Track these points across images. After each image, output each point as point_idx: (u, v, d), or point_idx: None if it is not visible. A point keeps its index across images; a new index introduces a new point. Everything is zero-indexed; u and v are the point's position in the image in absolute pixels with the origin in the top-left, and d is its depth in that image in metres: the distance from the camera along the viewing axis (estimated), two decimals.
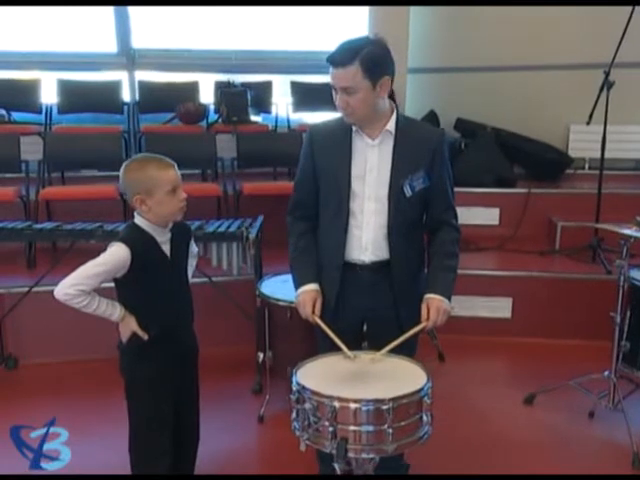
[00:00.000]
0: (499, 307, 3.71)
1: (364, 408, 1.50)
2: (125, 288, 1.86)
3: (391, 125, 1.87)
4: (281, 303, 2.68)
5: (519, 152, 4.87)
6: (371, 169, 1.87)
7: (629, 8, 3.66)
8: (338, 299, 1.92)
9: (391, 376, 1.66)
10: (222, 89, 4.79)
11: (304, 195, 1.99)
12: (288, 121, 5.13)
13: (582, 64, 4.72)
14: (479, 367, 3.40)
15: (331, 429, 1.49)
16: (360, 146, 1.88)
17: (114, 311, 1.83)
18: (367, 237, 1.89)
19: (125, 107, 4.96)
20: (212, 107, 4.93)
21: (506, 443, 2.61)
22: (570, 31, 4.84)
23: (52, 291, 1.79)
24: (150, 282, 1.85)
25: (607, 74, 3.64)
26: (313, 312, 1.89)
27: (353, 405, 1.49)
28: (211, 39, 5.19)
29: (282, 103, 5.18)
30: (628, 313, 2.67)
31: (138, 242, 1.82)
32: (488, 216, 4.44)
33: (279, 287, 2.84)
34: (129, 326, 1.84)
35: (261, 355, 2.81)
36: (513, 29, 4.89)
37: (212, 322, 2.95)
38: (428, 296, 1.85)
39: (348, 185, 1.86)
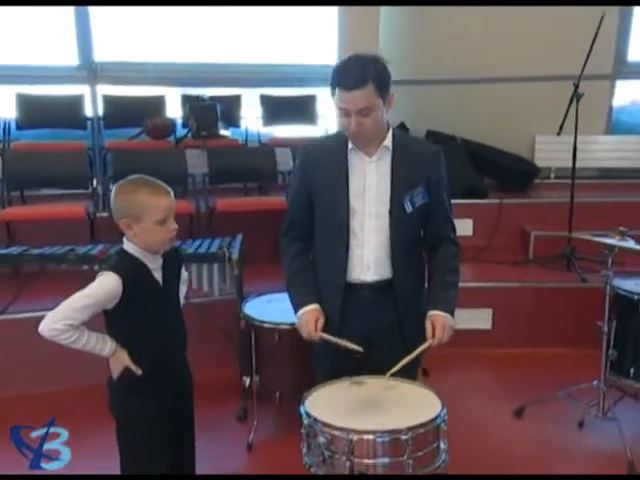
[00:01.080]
0: (479, 319, 3.71)
1: (381, 440, 1.44)
2: (115, 318, 1.73)
3: (388, 141, 1.85)
4: (267, 325, 2.60)
5: (489, 163, 4.92)
6: (370, 186, 1.84)
7: (597, 21, 3.74)
8: (341, 320, 1.87)
9: (404, 403, 1.61)
10: (191, 103, 4.66)
11: (298, 215, 1.95)
12: (259, 135, 5.05)
13: (548, 76, 4.82)
14: (464, 380, 3.37)
15: (348, 464, 1.42)
16: (357, 163, 1.85)
17: (104, 346, 1.69)
18: (369, 256, 1.85)
19: (88, 122, 4.78)
20: (180, 121, 4.80)
21: (497, 457, 2.58)
22: (538, 44, 4.91)
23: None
24: (142, 311, 1.72)
25: (576, 86, 3.72)
26: (316, 330, 1.82)
27: (370, 437, 1.43)
28: (176, 52, 5.06)
29: (251, 117, 5.10)
30: (613, 322, 2.70)
31: (129, 270, 1.69)
32: (462, 227, 4.36)
33: (264, 308, 2.76)
34: (121, 360, 1.71)
35: (247, 380, 2.71)
36: (483, 42, 4.93)
37: (194, 345, 2.82)
38: (432, 313, 1.83)
39: (347, 203, 1.83)
